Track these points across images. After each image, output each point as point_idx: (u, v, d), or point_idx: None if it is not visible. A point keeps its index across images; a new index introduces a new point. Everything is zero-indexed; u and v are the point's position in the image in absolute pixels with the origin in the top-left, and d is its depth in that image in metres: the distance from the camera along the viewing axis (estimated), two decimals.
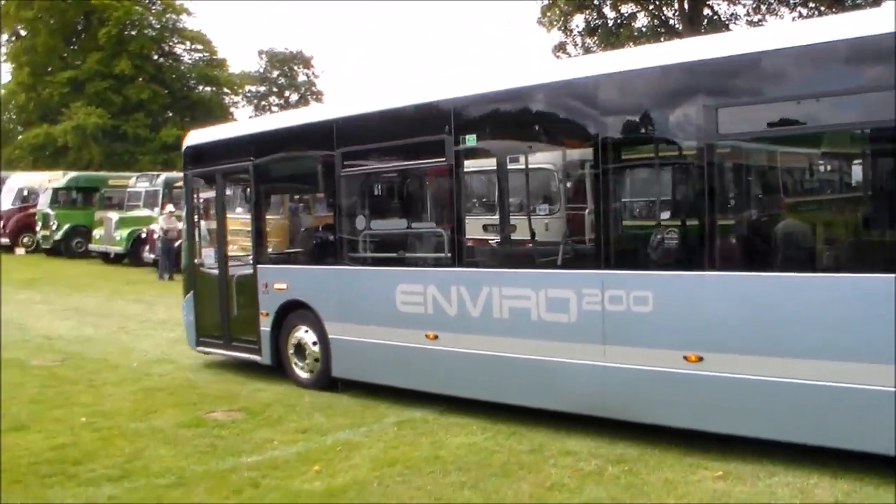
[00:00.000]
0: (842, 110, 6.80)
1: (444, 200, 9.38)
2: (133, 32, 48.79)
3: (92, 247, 30.25)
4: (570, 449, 7.49)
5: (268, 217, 11.65)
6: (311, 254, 11.15)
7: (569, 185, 11.83)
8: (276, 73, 73.67)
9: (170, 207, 23.93)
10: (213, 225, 11.98)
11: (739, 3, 37.14)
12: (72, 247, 32.22)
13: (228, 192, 12.05)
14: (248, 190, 11.25)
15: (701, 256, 7.18)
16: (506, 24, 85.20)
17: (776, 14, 36.61)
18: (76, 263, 30.53)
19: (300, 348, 10.44)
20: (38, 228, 33.22)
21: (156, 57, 50.85)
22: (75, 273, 27.03)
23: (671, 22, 38.58)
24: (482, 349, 8.47)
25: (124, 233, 27.82)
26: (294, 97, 72.05)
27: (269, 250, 11.41)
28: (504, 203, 10.92)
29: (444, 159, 8.77)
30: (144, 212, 27.70)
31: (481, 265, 9.42)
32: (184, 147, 12.39)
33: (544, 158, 11.77)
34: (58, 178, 33.95)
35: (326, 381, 10.13)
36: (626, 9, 38.52)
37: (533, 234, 10.54)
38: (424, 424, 8.51)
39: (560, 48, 39.43)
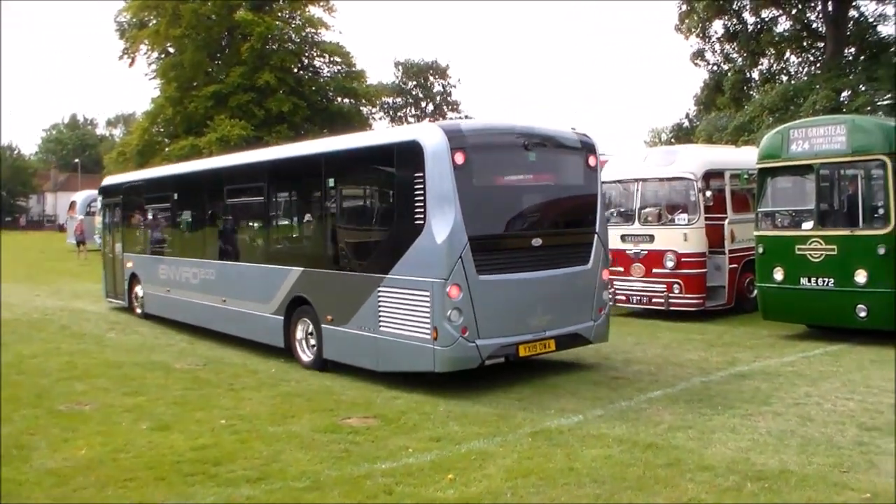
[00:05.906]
0: None
1: (168, 224, 17.92)
2: (274, 47, 50.03)
3: None
4: (707, 463, 7.29)
5: (130, 227, 19.95)
6: (138, 248, 19.20)
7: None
8: (411, 84, 74.55)
9: None
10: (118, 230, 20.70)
11: (889, 2, 35.46)
12: None
13: (117, 213, 20.60)
14: (119, 212, 20.45)
15: None
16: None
17: None
18: None
19: (137, 297, 19.02)
20: None
21: (296, 70, 51.97)
22: None
23: (814, 25, 37.18)
24: (182, 297, 16.59)
25: None
26: (430, 107, 72.74)
27: (128, 246, 19.71)
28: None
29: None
30: None
31: (178, 255, 16.98)
32: (100, 187, 22.47)
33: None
34: None
35: (146, 316, 18.44)
36: (766, 13, 37.35)
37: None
38: (559, 435, 8.42)
39: (698, 55, 38.62)
